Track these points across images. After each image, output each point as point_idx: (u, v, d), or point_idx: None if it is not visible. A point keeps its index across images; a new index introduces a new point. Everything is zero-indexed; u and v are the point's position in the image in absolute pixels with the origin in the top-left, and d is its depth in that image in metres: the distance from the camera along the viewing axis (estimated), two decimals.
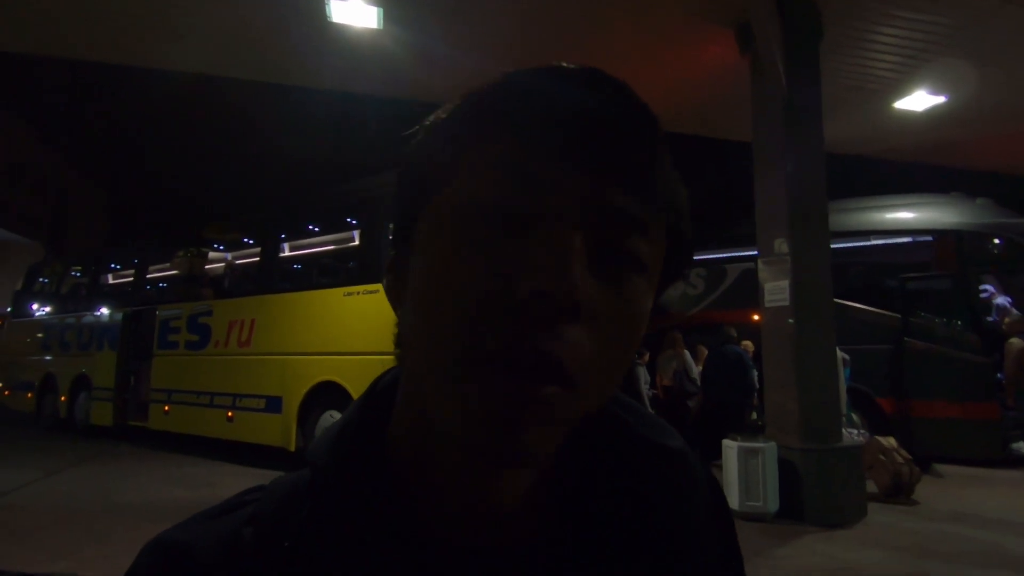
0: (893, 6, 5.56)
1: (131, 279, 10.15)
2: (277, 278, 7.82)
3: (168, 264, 9.30)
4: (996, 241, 6.92)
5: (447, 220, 0.34)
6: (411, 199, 0.38)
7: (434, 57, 6.11)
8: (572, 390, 0.32)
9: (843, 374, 6.03)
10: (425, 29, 5.73)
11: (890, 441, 5.71)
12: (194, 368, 8.04)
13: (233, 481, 6.24)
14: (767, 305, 5.40)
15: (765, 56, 5.25)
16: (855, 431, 6.58)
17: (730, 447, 5.03)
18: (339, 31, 5.76)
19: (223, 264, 8.98)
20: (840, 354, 5.79)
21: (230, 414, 7.46)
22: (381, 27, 5.60)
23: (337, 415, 6.43)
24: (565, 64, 0.36)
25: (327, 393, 6.55)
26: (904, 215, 7.73)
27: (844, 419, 5.96)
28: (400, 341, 0.38)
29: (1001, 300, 7.05)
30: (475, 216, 0.33)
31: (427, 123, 0.39)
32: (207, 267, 8.86)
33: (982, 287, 7.01)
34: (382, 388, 0.43)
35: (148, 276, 9.94)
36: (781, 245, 5.28)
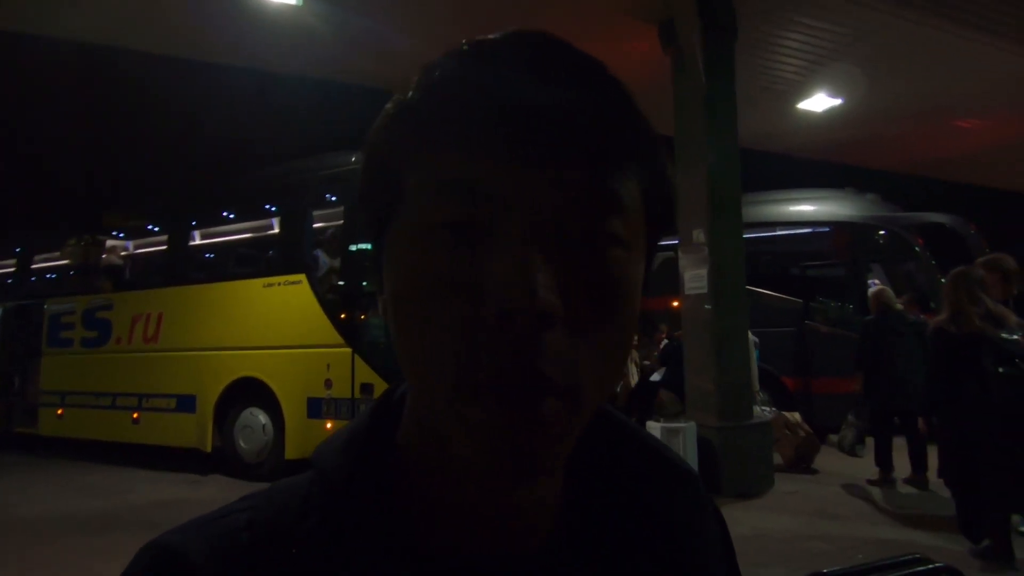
0: (798, 13, 5.99)
1: (12, 270, 9.14)
2: (188, 268, 7.31)
3: (58, 253, 8.45)
4: (883, 233, 7.67)
5: (405, 247, 0.33)
6: (372, 226, 0.37)
7: (360, 37, 5.90)
8: (570, 398, 0.31)
9: (754, 355, 6.48)
10: (350, 7, 5.52)
11: (795, 416, 6.22)
12: (92, 367, 7.38)
13: (148, 488, 5.80)
14: (687, 292, 5.69)
15: (687, 53, 5.49)
16: (764, 408, 7.09)
17: (654, 428, 5.28)
18: (256, 5, 5.42)
19: (124, 253, 8.27)
20: (751, 337, 6.21)
21: (136, 415, 6.92)
22: (302, 4, 5.33)
23: (259, 413, 6.20)
24: (493, 37, 0.34)
25: (247, 390, 6.23)
26: (804, 208, 8.39)
27: (758, 397, 6.45)
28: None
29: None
30: (430, 240, 0.32)
31: (366, 142, 0.37)
32: (105, 256, 8.12)
33: (872, 280, 7.76)
34: (398, 397, 0.42)
35: (34, 267, 8.99)
36: (699, 235, 5.57)
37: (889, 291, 5.80)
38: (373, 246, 0.38)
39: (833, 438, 7.32)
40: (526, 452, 0.31)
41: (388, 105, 0.36)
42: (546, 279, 0.30)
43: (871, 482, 5.35)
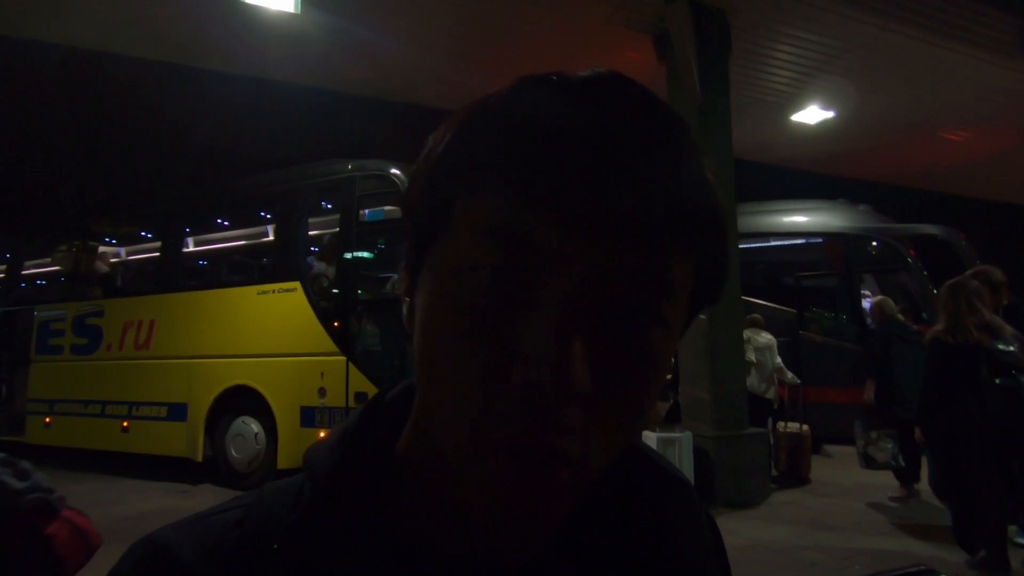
0: (790, 26, 6.07)
1: (2, 276, 9.04)
2: (181, 275, 7.26)
3: (49, 259, 8.36)
4: (875, 243, 7.75)
5: (441, 282, 0.33)
6: (414, 245, 0.36)
7: (357, 45, 5.91)
8: (580, 468, 0.31)
9: (776, 356, 6.42)
10: (347, 16, 5.53)
11: (794, 426, 6.19)
12: (82, 375, 7.29)
13: (137, 497, 5.71)
14: None
15: (681, 65, 5.54)
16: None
17: (649, 438, 5.27)
18: (252, 12, 5.42)
19: (114, 260, 8.20)
20: (769, 337, 6.21)
21: (126, 424, 6.83)
22: (299, 11, 5.34)
23: (251, 421, 6.13)
24: (569, 76, 0.32)
25: (239, 398, 6.17)
26: (797, 219, 8.47)
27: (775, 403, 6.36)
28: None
29: (868, 303, 7.90)
30: (469, 281, 0.31)
31: (422, 157, 0.36)
32: (97, 263, 8.05)
33: (865, 290, 7.83)
34: (391, 399, 0.42)
35: (23, 272, 8.90)
36: None
37: (890, 301, 5.81)
38: (411, 255, 0.37)
39: (828, 448, 7.33)
40: (528, 513, 0.31)
41: (453, 119, 0.35)
42: (582, 355, 0.29)
43: (894, 499, 5.18)
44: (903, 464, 5.18)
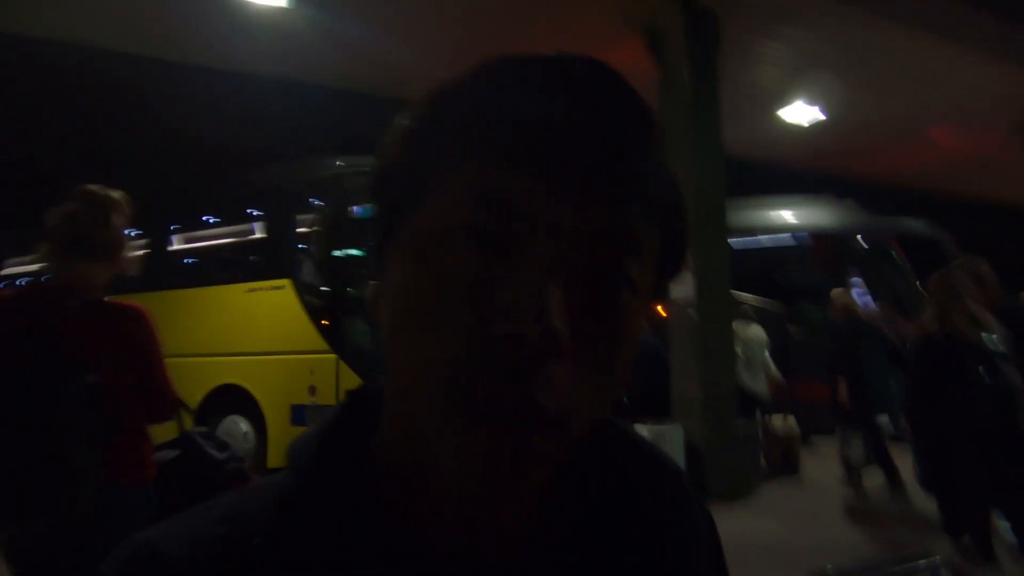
0: (781, 24, 6.13)
1: None
2: (167, 273, 7.16)
3: (31, 257, 8.22)
4: (860, 238, 7.86)
5: (417, 250, 0.33)
6: (383, 223, 0.36)
7: (350, 41, 5.88)
8: (558, 430, 0.31)
9: (767, 357, 6.47)
10: (340, 11, 5.51)
11: (788, 420, 6.25)
12: None
13: None
14: (672, 298, 5.74)
15: (673, 62, 5.57)
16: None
17: (640, 431, 5.29)
18: (242, 7, 5.38)
19: None
20: (762, 336, 6.26)
21: None
22: (291, 6, 5.31)
23: (241, 420, 6.07)
24: (542, 56, 0.34)
25: (228, 397, 6.11)
26: (784, 214, 8.56)
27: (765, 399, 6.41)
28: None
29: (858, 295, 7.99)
30: (446, 247, 0.32)
31: (391, 134, 0.36)
32: None
33: (852, 283, 7.93)
34: (375, 391, 0.42)
35: (5, 272, 8.74)
36: None
37: (851, 295, 5.83)
38: (378, 240, 0.37)
39: (814, 439, 7.42)
40: (503, 478, 0.31)
41: (425, 97, 0.35)
42: (561, 311, 0.30)
43: (892, 490, 5.16)
44: (874, 462, 5.24)
